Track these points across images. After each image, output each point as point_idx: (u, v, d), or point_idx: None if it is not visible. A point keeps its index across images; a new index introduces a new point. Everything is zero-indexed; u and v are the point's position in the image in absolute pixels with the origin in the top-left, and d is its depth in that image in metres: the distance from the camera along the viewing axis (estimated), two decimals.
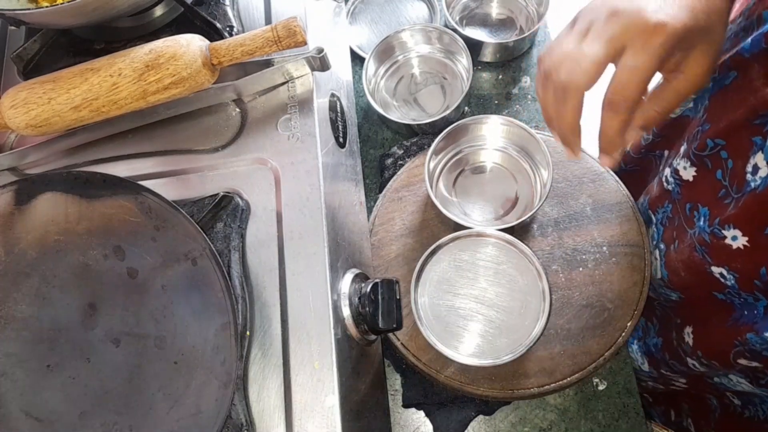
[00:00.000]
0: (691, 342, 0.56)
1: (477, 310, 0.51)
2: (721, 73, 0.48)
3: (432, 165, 0.59)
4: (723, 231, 0.45)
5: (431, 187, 0.57)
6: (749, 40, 0.43)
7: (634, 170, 0.73)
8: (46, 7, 0.48)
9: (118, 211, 0.44)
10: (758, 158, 0.42)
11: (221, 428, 0.39)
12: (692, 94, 0.40)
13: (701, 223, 0.49)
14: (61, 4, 0.45)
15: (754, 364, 0.48)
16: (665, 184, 0.56)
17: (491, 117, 0.59)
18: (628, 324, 0.53)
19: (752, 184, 0.43)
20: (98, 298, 0.43)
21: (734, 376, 0.57)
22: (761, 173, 0.41)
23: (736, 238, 0.44)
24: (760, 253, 0.43)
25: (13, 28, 0.60)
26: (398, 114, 0.69)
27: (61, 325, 0.43)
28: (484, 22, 0.73)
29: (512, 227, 0.55)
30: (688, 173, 0.52)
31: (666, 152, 0.63)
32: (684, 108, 0.56)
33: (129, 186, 0.45)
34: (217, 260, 0.42)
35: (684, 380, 0.68)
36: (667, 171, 0.56)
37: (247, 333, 0.42)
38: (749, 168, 0.43)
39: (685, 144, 0.52)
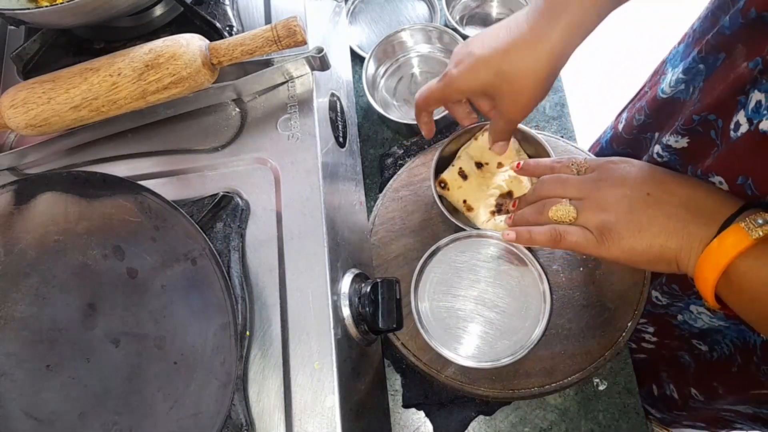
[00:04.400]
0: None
1: (477, 312, 0.51)
2: (710, 56, 0.50)
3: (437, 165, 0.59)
4: (710, 178, 0.47)
5: (435, 186, 0.57)
6: (727, 18, 0.45)
7: (625, 152, 0.74)
8: (46, 6, 0.48)
9: (117, 211, 0.44)
10: (740, 116, 0.44)
11: (221, 428, 0.39)
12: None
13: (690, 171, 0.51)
14: (61, 3, 0.45)
15: None
16: (658, 158, 0.57)
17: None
18: (629, 324, 0.53)
19: (733, 139, 0.45)
20: (98, 298, 0.43)
21: (694, 305, 0.59)
22: (742, 129, 0.43)
23: (722, 183, 0.46)
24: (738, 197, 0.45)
25: (12, 27, 0.60)
26: (398, 114, 0.69)
27: (60, 325, 0.43)
28: (485, 21, 0.73)
29: None
30: (680, 143, 0.53)
31: (657, 134, 0.65)
32: (675, 90, 0.57)
33: (129, 186, 0.45)
34: (216, 260, 0.41)
35: (652, 329, 0.69)
36: (657, 148, 0.57)
37: (247, 333, 0.42)
38: (732, 125, 0.45)
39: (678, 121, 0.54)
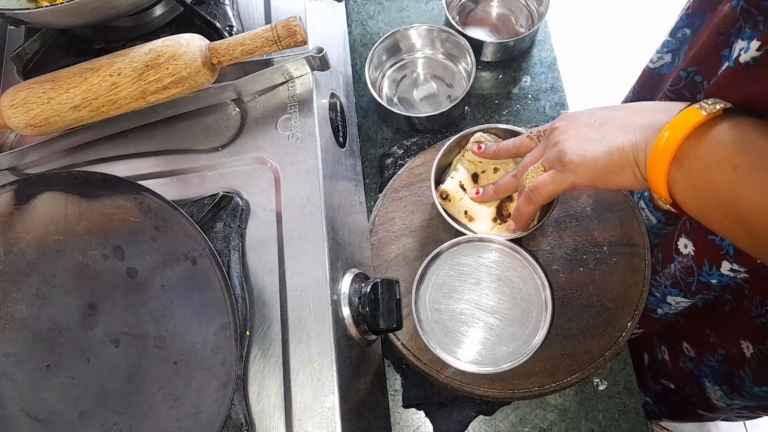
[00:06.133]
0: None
1: (478, 317, 0.51)
2: (697, 17, 0.50)
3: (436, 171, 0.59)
4: None
5: (435, 188, 0.56)
6: None
7: None
8: (46, 6, 0.48)
9: (117, 211, 0.44)
10: (725, 68, 0.43)
11: (221, 428, 0.39)
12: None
13: None
14: (61, 3, 0.45)
15: (689, 249, 0.52)
16: None
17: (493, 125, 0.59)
18: (629, 324, 0.53)
19: None
20: (98, 298, 0.43)
21: (671, 296, 0.60)
22: None
23: None
24: None
25: (12, 27, 0.60)
26: (398, 109, 0.69)
27: (60, 325, 0.43)
28: (484, 21, 0.73)
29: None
30: None
31: None
32: (662, 60, 0.57)
33: (129, 186, 0.45)
34: (216, 260, 0.41)
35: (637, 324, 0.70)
36: None
37: (247, 333, 0.42)
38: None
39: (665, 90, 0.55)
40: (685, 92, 0.50)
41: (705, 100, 0.37)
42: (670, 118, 0.38)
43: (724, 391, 0.67)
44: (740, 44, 0.41)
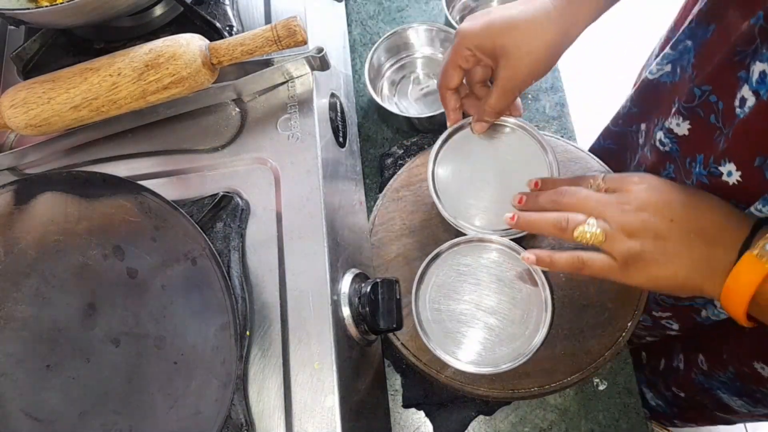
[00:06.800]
0: None
1: (478, 317, 0.51)
2: (700, 29, 0.50)
3: (433, 168, 0.59)
4: (720, 168, 0.46)
5: (434, 189, 0.56)
6: None
7: (611, 147, 0.74)
8: (46, 6, 0.48)
9: (117, 211, 0.44)
10: (744, 91, 0.43)
11: (221, 428, 0.39)
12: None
13: (698, 169, 0.50)
14: (61, 3, 0.45)
15: None
16: (661, 147, 0.57)
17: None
18: (629, 324, 0.53)
19: (740, 116, 0.44)
20: (98, 298, 0.43)
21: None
22: (749, 103, 0.42)
23: (731, 174, 0.45)
24: (753, 187, 0.44)
25: (12, 27, 0.60)
26: (398, 109, 0.69)
27: (60, 325, 0.43)
28: None
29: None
30: (682, 128, 0.52)
31: (642, 125, 0.64)
32: (662, 70, 0.56)
33: (129, 186, 0.45)
34: (216, 260, 0.41)
35: (677, 325, 0.70)
36: (659, 135, 0.56)
37: (247, 333, 0.42)
38: (737, 102, 0.44)
39: (675, 104, 0.54)
40: (700, 111, 0.50)
41: (762, 243, 0.38)
42: (735, 250, 0.40)
43: (745, 401, 0.66)
44: (759, 66, 0.41)
